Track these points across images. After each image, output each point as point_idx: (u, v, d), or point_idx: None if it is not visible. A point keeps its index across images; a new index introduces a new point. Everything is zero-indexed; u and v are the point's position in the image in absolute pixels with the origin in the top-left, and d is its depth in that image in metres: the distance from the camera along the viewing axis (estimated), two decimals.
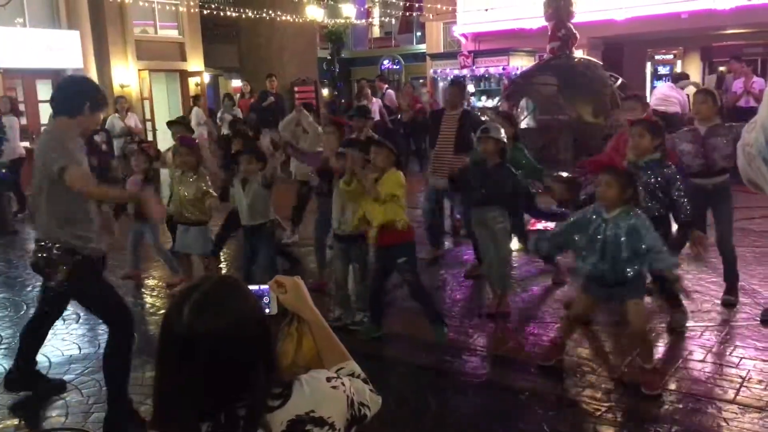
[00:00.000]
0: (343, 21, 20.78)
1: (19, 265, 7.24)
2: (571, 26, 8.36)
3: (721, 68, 14.37)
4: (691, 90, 8.20)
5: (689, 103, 8.60)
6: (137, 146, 6.32)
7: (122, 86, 14.77)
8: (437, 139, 6.42)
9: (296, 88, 17.40)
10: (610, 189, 3.70)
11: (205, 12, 16.90)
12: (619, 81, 8.23)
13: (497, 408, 3.72)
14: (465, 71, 14.33)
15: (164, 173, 7.17)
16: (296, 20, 17.08)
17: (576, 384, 3.92)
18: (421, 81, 19.62)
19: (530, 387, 3.89)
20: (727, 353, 4.27)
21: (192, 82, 16.80)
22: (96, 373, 4.18)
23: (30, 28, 13.52)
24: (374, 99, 14.63)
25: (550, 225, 6.22)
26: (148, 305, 5.76)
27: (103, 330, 4.84)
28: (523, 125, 8.45)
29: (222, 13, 17.07)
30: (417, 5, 19.43)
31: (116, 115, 11.95)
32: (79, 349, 4.73)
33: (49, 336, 4.98)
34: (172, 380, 1.33)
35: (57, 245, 3.42)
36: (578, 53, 9.79)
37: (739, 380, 3.85)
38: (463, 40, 16.60)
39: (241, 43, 18.47)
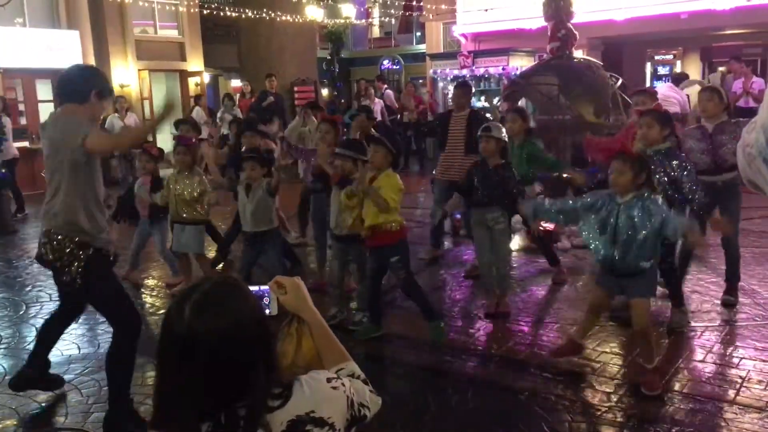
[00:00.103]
0: (342, 21, 20.77)
1: (18, 265, 7.24)
2: (571, 26, 8.35)
3: (721, 68, 14.38)
4: (695, 89, 8.17)
5: (689, 103, 8.61)
6: (140, 148, 6.30)
7: (122, 86, 14.75)
8: (447, 141, 6.48)
9: (296, 88, 17.39)
10: (622, 176, 3.66)
11: (204, 12, 16.88)
12: (620, 81, 8.22)
13: (497, 408, 3.72)
14: (465, 71, 14.33)
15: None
16: (296, 20, 17.06)
17: (576, 384, 3.92)
18: (420, 81, 19.62)
19: (530, 387, 3.89)
20: (727, 353, 4.27)
21: (192, 82, 16.79)
22: (96, 373, 4.18)
23: (30, 27, 13.51)
24: (376, 99, 14.65)
25: (550, 226, 6.22)
26: (148, 305, 5.76)
27: (102, 330, 4.85)
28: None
29: (222, 13, 17.05)
30: (417, 5, 19.43)
31: (116, 115, 11.95)
32: (79, 349, 4.72)
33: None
34: (172, 380, 1.33)
35: (69, 238, 3.35)
36: (578, 53, 9.79)
37: (739, 380, 3.85)
38: (462, 40, 16.59)
39: (240, 43, 18.45)
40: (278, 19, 16.73)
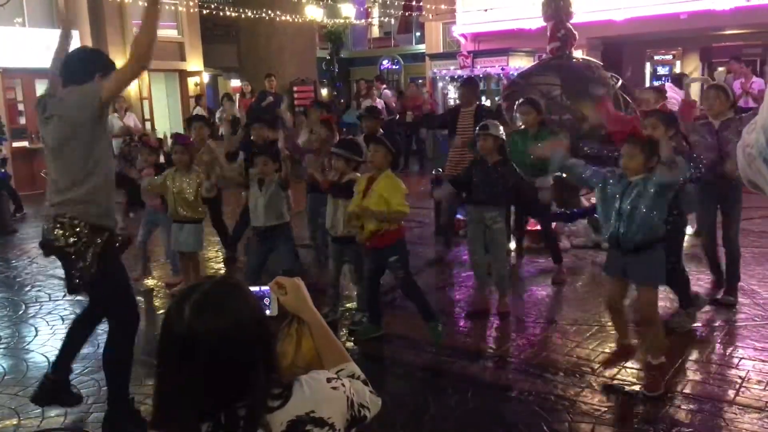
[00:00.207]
0: (342, 21, 20.77)
1: (18, 265, 7.24)
2: (571, 26, 8.34)
3: (720, 68, 14.38)
4: (697, 86, 8.16)
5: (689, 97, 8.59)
6: (140, 143, 6.35)
7: None
8: (455, 137, 6.64)
9: (295, 88, 17.39)
10: (633, 159, 3.62)
11: (204, 12, 16.88)
12: (620, 82, 8.22)
13: (497, 408, 3.72)
14: (464, 71, 14.32)
15: None
16: (296, 20, 17.05)
17: (576, 384, 3.92)
18: (420, 81, 19.62)
19: (530, 387, 3.89)
20: (727, 353, 4.28)
21: (191, 82, 16.79)
22: (95, 373, 4.18)
23: (29, 27, 13.50)
24: (378, 99, 14.64)
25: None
26: (148, 305, 5.76)
27: (102, 330, 4.82)
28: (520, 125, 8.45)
29: (221, 13, 17.05)
30: (416, 5, 19.42)
31: (115, 114, 11.92)
32: None
33: (48, 336, 5.01)
34: (172, 380, 1.33)
35: (84, 222, 3.21)
36: (577, 53, 9.78)
37: (739, 380, 3.85)
38: (462, 40, 16.59)
39: (240, 42, 18.44)
40: (278, 18, 16.73)
